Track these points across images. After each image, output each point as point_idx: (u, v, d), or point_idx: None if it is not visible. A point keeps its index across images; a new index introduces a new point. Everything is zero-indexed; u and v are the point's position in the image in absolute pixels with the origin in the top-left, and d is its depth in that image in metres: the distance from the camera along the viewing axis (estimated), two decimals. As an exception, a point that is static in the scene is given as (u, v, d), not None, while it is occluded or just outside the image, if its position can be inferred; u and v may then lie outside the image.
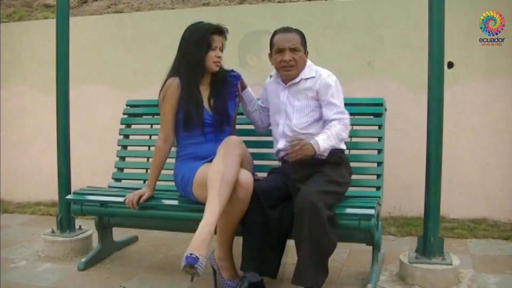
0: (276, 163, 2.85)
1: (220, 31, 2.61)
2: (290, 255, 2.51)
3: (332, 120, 2.48)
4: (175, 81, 2.59)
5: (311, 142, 2.36)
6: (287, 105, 2.60)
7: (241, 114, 2.88)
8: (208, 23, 2.63)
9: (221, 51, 2.64)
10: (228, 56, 2.75)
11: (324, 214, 2.23)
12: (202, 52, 2.57)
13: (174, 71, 2.63)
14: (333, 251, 2.32)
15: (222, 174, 2.29)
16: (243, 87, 2.78)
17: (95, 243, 3.12)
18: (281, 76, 2.64)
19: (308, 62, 2.64)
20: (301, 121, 2.56)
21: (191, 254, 2.10)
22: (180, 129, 2.62)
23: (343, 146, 2.59)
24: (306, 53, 2.61)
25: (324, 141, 2.39)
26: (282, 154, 2.61)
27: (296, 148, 2.33)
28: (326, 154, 2.43)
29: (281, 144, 2.61)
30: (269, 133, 2.81)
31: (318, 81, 2.54)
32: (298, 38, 2.57)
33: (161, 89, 2.62)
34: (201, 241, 2.14)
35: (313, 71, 2.60)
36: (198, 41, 2.57)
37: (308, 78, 2.57)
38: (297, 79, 2.58)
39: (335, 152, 2.51)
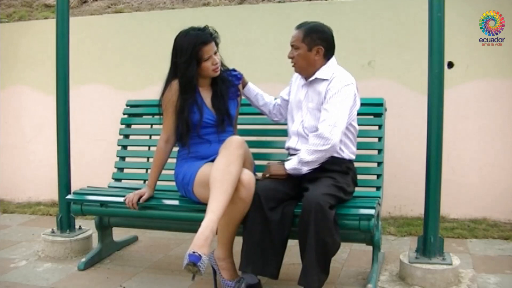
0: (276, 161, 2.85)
1: (208, 40, 2.51)
2: (290, 255, 2.51)
3: (316, 130, 2.43)
4: (175, 84, 2.58)
5: (281, 166, 2.47)
6: (303, 104, 2.57)
7: (242, 114, 2.88)
8: (194, 33, 2.51)
9: (217, 52, 2.57)
10: (228, 56, 2.73)
11: (330, 215, 2.23)
12: (193, 70, 2.51)
13: (172, 75, 2.60)
14: (336, 252, 2.32)
15: (225, 173, 2.29)
16: (244, 84, 2.78)
17: (95, 243, 3.12)
18: None
19: (330, 62, 2.52)
20: (310, 124, 2.51)
21: (194, 252, 2.09)
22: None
23: (352, 156, 2.57)
24: (316, 50, 2.47)
25: (291, 163, 2.44)
26: (291, 151, 2.61)
27: (267, 176, 2.50)
28: (302, 171, 2.44)
29: (292, 142, 2.59)
30: (269, 133, 2.80)
31: (328, 85, 2.46)
32: (299, 35, 2.48)
33: (163, 91, 2.61)
34: (204, 239, 2.13)
35: (330, 72, 2.49)
36: (187, 59, 2.50)
37: (323, 80, 2.49)
38: (312, 77, 2.52)
39: (344, 162, 2.51)
